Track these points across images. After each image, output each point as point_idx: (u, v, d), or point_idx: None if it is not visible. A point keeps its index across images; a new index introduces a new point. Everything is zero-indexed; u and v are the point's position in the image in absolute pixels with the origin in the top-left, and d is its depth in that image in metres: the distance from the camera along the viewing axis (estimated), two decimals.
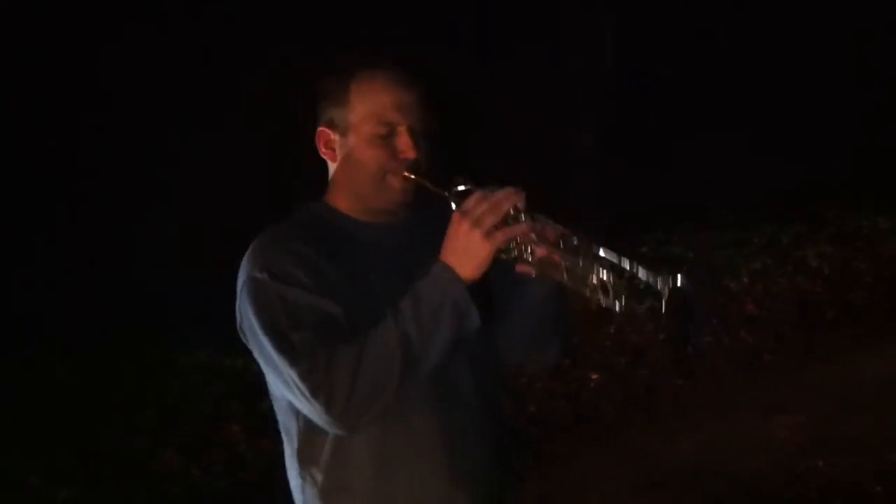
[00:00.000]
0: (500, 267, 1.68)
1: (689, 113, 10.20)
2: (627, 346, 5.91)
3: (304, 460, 1.73)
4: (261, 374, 1.78)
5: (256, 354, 1.70)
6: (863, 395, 5.16)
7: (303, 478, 1.74)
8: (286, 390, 1.64)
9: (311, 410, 1.60)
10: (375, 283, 1.71)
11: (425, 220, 1.76)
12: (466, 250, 1.63)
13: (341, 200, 1.81)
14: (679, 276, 1.51)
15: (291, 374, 1.59)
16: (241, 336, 1.76)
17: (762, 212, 8.90)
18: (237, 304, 1.72)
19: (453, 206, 1.70)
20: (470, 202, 1.64)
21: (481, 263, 1.63)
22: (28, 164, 7.66)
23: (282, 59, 7.03)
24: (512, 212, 1.64)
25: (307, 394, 1.57)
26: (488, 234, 1.61)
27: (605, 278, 1.61)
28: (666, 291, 1.51)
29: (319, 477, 1.72)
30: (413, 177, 1.76)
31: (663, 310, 1.55)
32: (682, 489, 4.38)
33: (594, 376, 5.50)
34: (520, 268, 1.71)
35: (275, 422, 1.83)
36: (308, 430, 1.71)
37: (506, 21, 9.42)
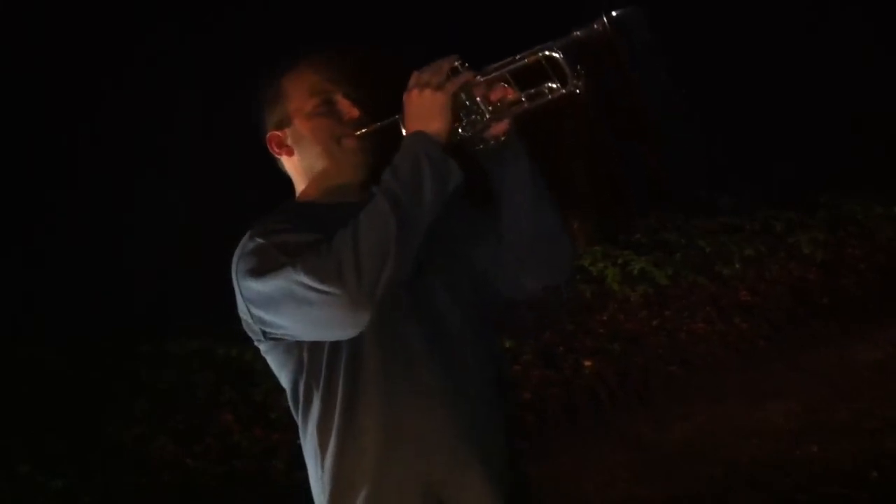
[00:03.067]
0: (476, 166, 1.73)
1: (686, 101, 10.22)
2: (621, 332, 5.92)
3: (322, 431, 1.72)
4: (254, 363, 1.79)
5: (267, 312, 1.69)
6: (856, 380, 5.16)
7: (321, 449, 1.73)
8: (300, 309, 1.61)
9: (329, 303, 1.57)
10: None
11: None
12: (423, 110, 1.68)
13: (309, 190, 1.86)
14: (611, 14, 1.56)
15: (298, 277, 1.58)
16: (248, 329, 1.78)
17: (756, 198, 8.92)
18: (238, 298, 1.74)
19: (404, 132, 1.74)
20: (412, 79, 1.71)
21: (442, 116, 1.67)
22: (27, 164, 7.65)
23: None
24: (450, 73, 1.69)
25: (318, 284, 1.56)
26: (438, 88, 1.67)
27: (555, 55, 1.65)
28: (605, 30, 1.56)
29: (333, 444, 1.71)
30: (364, 131, 1.81)
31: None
32: (677, 475, 4.39)
33: (587, 363, 5.50)
34: (490, 132, 1.75)
35: (268, 410, 1.83)
36: (325, 400, 1.71)
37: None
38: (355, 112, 1.83)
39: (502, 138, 1.76)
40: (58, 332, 6.46)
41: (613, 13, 1.57)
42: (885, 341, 5.66)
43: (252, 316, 1.73)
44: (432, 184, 1.63)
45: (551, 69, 1.67)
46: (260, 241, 1.69)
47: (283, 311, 1.66)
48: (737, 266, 6.98)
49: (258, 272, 1.66)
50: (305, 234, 1.65)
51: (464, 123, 1.73)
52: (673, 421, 4.90)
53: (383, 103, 1.86)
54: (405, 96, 1.71)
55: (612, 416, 5.08)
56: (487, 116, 1.72)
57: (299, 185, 1.89)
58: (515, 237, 1.82)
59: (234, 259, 1.74)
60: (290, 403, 1.80)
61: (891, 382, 5.02)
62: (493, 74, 1.71)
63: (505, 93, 1.73)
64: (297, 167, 1.88)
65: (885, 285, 6.90)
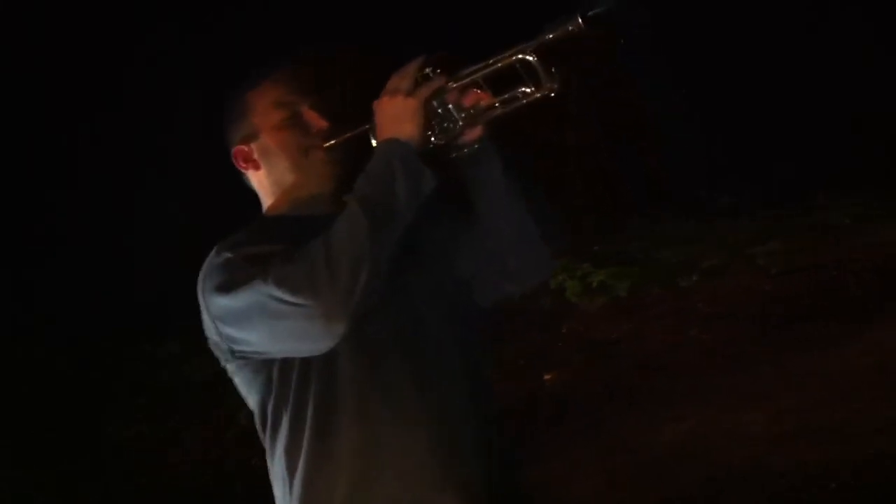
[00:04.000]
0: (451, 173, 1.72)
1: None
2: (583, 345, 5.93)
3: (291, 454, 1.68)
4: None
5: (237, 329, 1.65)
6: (832, 386, 5.15)
7: (290, 473, 1.69)
8: (272, 322, 1.58)
9: (302, 315, 1.53)
10: None
11: None
12: (395, 116, 1.66)
13: (277, 204, 1.84)
14: (586, 13, 1.55)
15: (268, 290, 1.54)
16: (216, 349, 1.74)
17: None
18: (204, 318, 1.71)
19: (374, 142, 1.72)
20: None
21: (414, 121, 1.65)
22: (26, 164, 7.70)
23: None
24: (421, 79, 1.68)
25: (289, 295, 1.53)
26: (409, 93, 1.66)
27: (529, 59, 1.64)
28: (580, 30, 1.55)
29: (302, 468, 1.66)
30: (332, 142, 1.79)
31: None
32: (659, 482, 4.40)
33: (548, 376, 5.52)
34: (465, 138, 1.74)
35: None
36: (295, 421, 1.66)
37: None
38: (323, 123, 1.81)
39: (476, 145, 1.76)
40: (58, 333, 6.51)
41: (589, 12, 1.55)
42: (856, 347, 5.66)
43: (220, 334, 1.69)
44: (406, 189, 1.61)
45: (525, 72, 1.65)
46: (227, 255, 1.66)
47: (254, 326, 1.62)
48: (694, 278, 7.02)
49: (226, 287, 1.63)
50: (274, 246, 1.62)
51: (437, 131, 1.71)
52: (654, 428, 4.92)
53: (352, 112, 1.84)
54: (375, 104, 1.70)
55: (595, 423, 5.06)
56: (461, 123, 1.71)
57: (266, 200, 1.87)
58: (495, 241, 1.80)
59: (201, 276, 1.70)
60: (258, 425, 1.75)
61: (872, 387, 5.03)
62: (466, 80, 1.70)
63: (478, 98, 1.72)
64: (265, 181, 1.85)
65: (860, 289, 6.90)
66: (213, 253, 1.70)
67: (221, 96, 1.90)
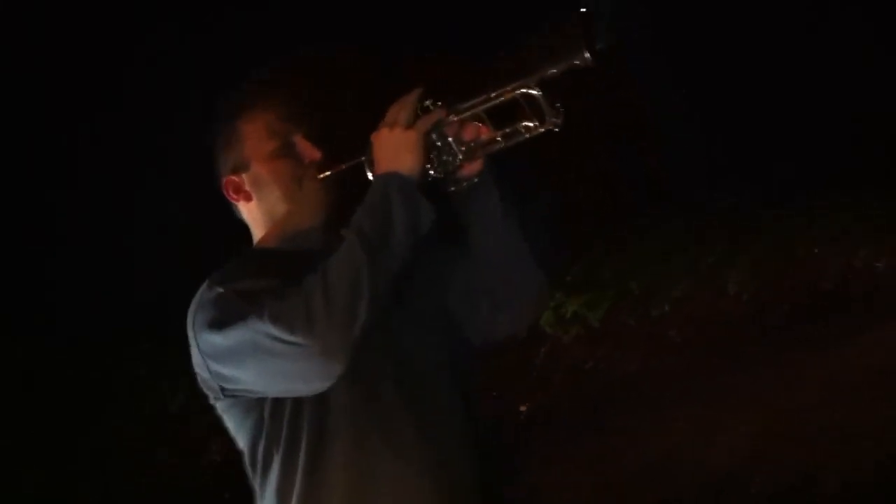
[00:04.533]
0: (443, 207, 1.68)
1: None
2: (556, 375, 5.96)
3: (283, 497, 1.65)
4: None
5: (229, 367, 1.62)
6: (793, 418, 5.19)
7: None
8: (266, 361, 1.55)
9: (298, 355, 1.50)
10: None
11: None
12: (393, 148, 1.63)
13: (269, 236, 1.80)
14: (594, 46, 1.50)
15: (263, 327, 1.51)
16: (206, 387, 1.70)
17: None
18: (194, 354, 1.68)
19: (370, 174, 1.71)
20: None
21: (414, 153, 1.63)
22: (26, 164, 7.79)
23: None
24: (421, 113, 1.66)
25: (285, 334, 1.49)
26: (408, 125, 1.64)
27: (533, 93, 1.60)
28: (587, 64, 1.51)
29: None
30: (327, 173, 1.76)
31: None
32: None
33: (523, 407, 5.57)
34: (463, 172, 1.71)
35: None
36: (287, 462, 1.64)
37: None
38: (316, 154, 1.78)
39: (475, 179, 1.73)
40: (57, 333, 6.64)
41: (598, 45, 1.51)
42: (818, 376, 5.69)
43: (210, 371, 1.66)
44: (405, 223, 1.58)
45: (528, 104, 1.62)
46: (219, 290, 1.62)
47: (247, 365, 1.59)
48: (667, 306, 7.03)
49: (218, 324, 1.59)
50: (268, 281, 1.59)
51: (435, 164, 1.68)
52: (621, 453, 4.99)
53: (347, 141, 1.82)
54: (374, 136, 1.67)
55: (563, 449, 5.14)
56: (460, 157, 1.68)
57: (258, 231, 1.83)
58: (488, 276, 1.77)
59: (191, 311, 1.67)
60: (248, 466, 1.73)
61: (829, 418, 5.10)
62: (466, 113, 1.67)
63: (478, 132, 1.69)
64: (256, 213, 1.82)
65: (813, 320, 6.91)
66: (203, 287, 1.67)
67: (208, 123, 1.87)
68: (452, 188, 1.74)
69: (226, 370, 1.63)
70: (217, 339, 1.60)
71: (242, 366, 1.60)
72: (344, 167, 1.77)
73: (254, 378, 1.62)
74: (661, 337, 6.67)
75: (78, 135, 8.15)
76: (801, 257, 8.14)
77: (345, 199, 1.76)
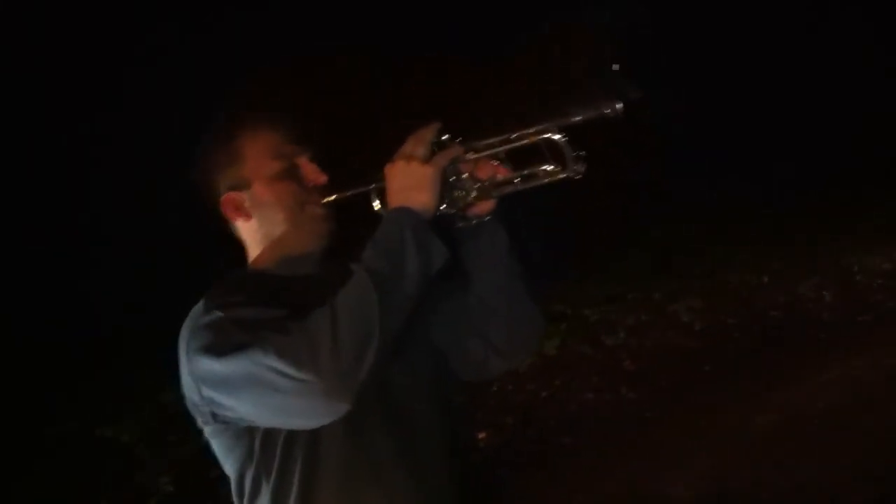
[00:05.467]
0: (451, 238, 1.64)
1: None
2: (513, 404, 5.91)
3: None
4: None
5: (224, 395, 1.56)
6: (748, 447, 5.17)
7: None
8: (267, 395, 1.48)
9: (301, 391, 1.44)
10: None
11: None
12: (409, 183, 1.58)
13: (264, 259, 1.75)
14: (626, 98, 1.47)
15: (267, 361, 1.45)
16: (195, 411, 1.65)
17: (635, 266, 9.00)
18: (184, 375, 1.62)
19: (376, 204, 1.67)
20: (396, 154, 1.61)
21: (429, 190, 1.57)
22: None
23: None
24: (437, 147, 1.60)
25: (291, 370, 1.43)
26: (425, 160, 1.58)
27: (556, 138, 1.55)
28: (618, 111, 1.46)
29: None
30: (332, 199, 1.72)
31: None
32: None
33: (481, 435, 5.49)
34: (474, 210, 1.67)
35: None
36: (277, 494, 1.61)
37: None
38: (322, 178, 1.73)
39: (485, 217, 1.70)
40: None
41: (630, 96, 1.47)
42: (772, 405, 5.68)
43: (203, 396, 1.60)
44: (417, 264, 1.54)
45: (548, 148, 1.57)
46: (217, 314, 1.56)
47: (244, 396, 1.53)
48: (622, 335, 7.05)
49: (216, 350, 1.53)
50: (265, 310, 1.54)
51: (447, 200, 1.64)
52: (573, 493, 4.88)
53: (353, 166, 1.77)
54: (388, 168, 1.62)
55: (512, 491, 5.01)
56: (473, 195, 1.64)
57: (254, 250, 1.78)
58: (483, 318, 1.75)
59: (185, 332, 1.61)
60: (234, 495, 1.69)
61: (784, 448, 5.06)
62: (484, 153, 1.63)
63: (495, 171, 1.65)
64: (254, 233, 1.76)
65: (765, 349, 6.97)
66: (199, 308, 1.61)
67: (205, 134, 1.80)
68: (460, 224, 1.69)
69: (220, 397, 1.57)
70: (214, 366, 1.53)
71: (239, 396, 1.53)
72: (350, 194, 1.72)
73: (250, 409, 1.55)
74: (615, 367, 6.65)
75: (77, 135, 7.92)
76: (751, 287, 8.27)
77: (344, 226, 1.72)
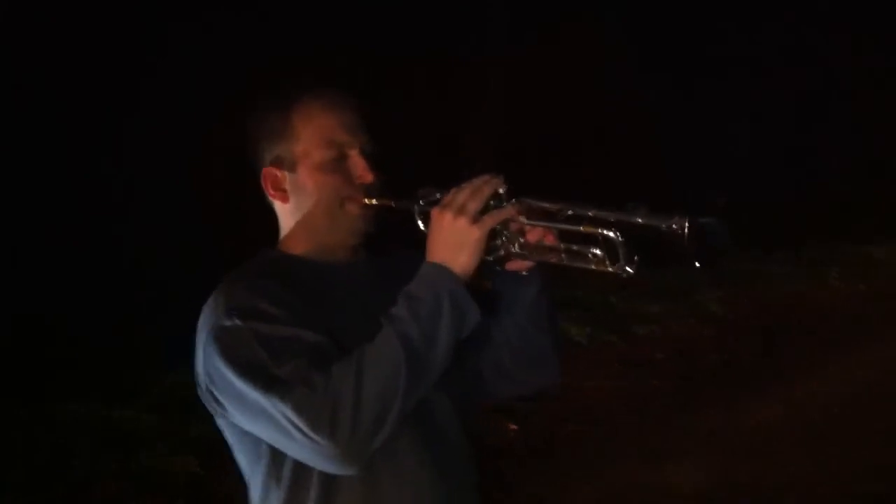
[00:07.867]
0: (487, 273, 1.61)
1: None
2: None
3: None
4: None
5: (234, 408, 1.52)
6: (749, 441, 5.20)
7: None
8: (278, 435, 1.46)
9: (313, 449, 1.42)
10: (341, 324, 1.56)
11: (392, 262, 1.70)
12: (454, 242, 1.51)
13: (297, 243, 1.69)
14: (692, 218, 1.40)
15: (285, 410, 1.41)
16: (206, 399, 1.60)
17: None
18: (198, 363, 1.58)
19: (420, 224, 1.62)
20: (448, 195, 1.54)
21: (473, 252, 1.51)
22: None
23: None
24: (493, 201, 1.54)
25: (306, 427, 1.40)
26: (475, 220, 1.51)
27: (612, 235, 1.48)
28: (683, 230, 1.40)
29: None
30: (374, 201, 1.65)
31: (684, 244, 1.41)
32: None
33: (514, 426, 5.49)
34: (511, 265, 1.62)
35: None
36: (294, 485, 1.57)
37: None
38: (369, 177, 1.64)
39: (523, 273, 1.65)
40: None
41: (700, 219, 1.40)
42: (772, 401, 5.73)
43: (212, 395, 1.56)
44: (450, 331, 1.48)
45: (603, 241, 1.50)
46: (238, 322, 1.50)
47: (256, 423, 1.50)
48: (650, 326, 7.13)
49: (234, 364, 1.49)
50: (297, 330, 1.48)
51: (487, 248, 1.55)
52: (576, 483, 4.87)
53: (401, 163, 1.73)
54: (435, 213, 1.54)
55: (516, 479, 4.98)
56: (513, 251, 1.59)
57: (285, 231, 1.72)
58: (505, 351, 1.72)
59: (205, 323, 1.56)
60: (252, 480, 1.65)
61: (787, 442, 5.11)
62: (539, 224, 1.56)
63: (543, 236, 1.58)
64: (288, 215, 1.70)
65: (773, 345, 7.02)
66: (220, 302, 1.56)
67: (257, 96, 1.73)
68: (496, 268, 1.64)
69: (232, 409, 1.54)
70: (230, 377, 1.50)
71: (250, 420, 1.51)
72: (393, 205, 1.65)
73: (260, 434, 1.53)
74: (637, 355, 6.70)
75: (79, 135, 7.92)
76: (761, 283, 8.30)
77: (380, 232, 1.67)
